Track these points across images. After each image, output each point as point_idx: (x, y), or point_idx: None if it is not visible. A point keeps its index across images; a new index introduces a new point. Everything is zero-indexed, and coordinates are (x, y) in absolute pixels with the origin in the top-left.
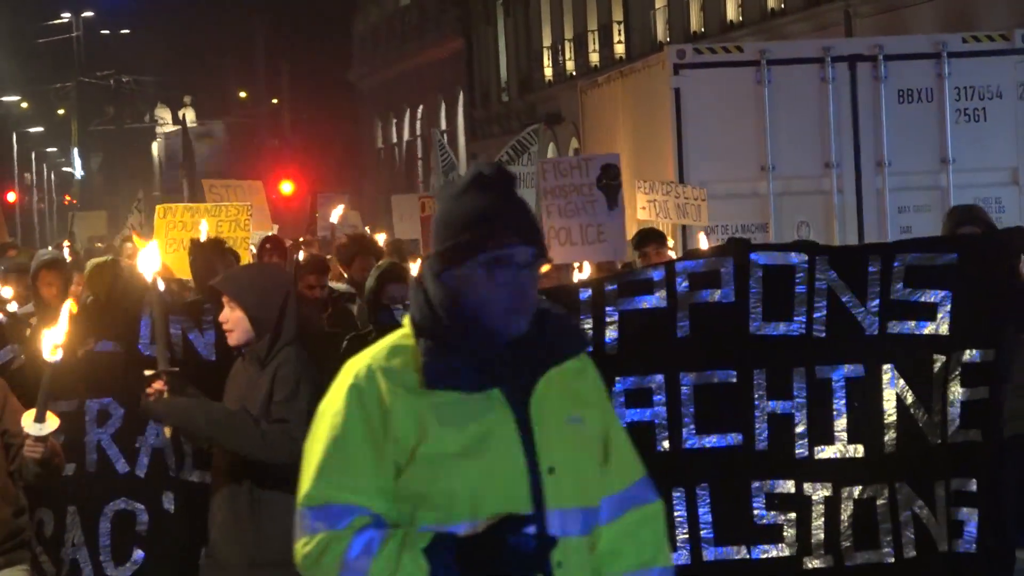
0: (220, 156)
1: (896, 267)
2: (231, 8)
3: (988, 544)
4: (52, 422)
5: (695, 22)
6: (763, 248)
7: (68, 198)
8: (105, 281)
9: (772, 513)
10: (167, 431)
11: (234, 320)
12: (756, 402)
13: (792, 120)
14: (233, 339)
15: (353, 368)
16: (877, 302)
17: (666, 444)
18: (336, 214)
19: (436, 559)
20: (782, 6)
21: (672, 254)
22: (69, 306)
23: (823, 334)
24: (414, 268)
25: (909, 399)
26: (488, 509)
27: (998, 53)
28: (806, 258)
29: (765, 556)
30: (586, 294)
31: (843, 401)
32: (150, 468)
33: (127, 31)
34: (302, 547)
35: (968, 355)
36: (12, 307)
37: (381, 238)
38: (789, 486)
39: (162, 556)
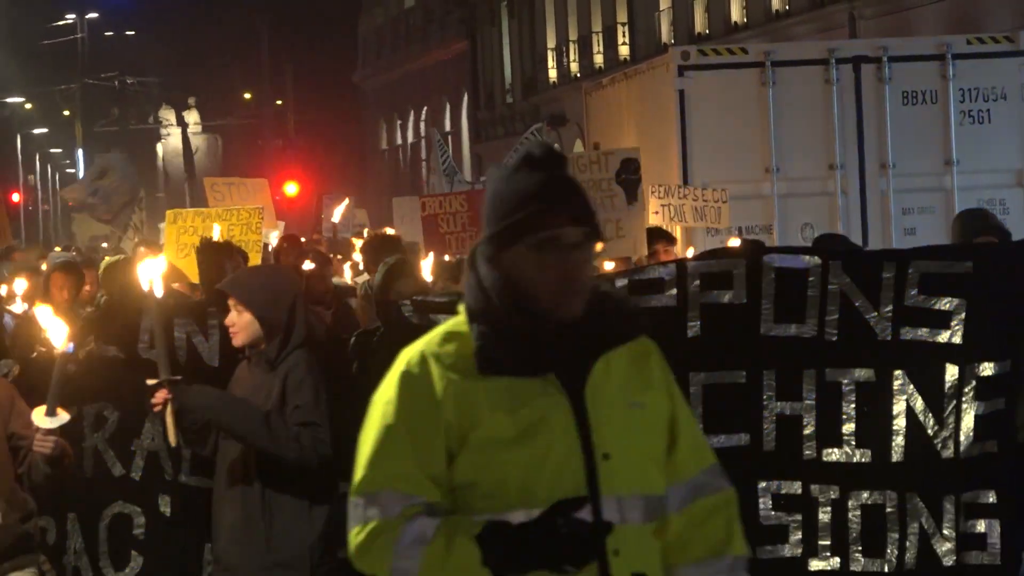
0: (224, 157)
1: (911, 273)
2: (235, 10)
3: (1013, 555)
4: (63, 415)
5: (699, 24)
6: (777, 251)
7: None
8: (119, 280)
9: (778, 514)
10: (172, 439)
11: (242, 323)
12: (765, 403)
13: (796, 122)
14: (239, 340)
15: (406, 355)
16: (890, 308)
17: None
18: (338, 212)
19: (488, 546)
20: (786, 8)
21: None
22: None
23: (835, 337)
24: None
25: (919, 407)
26: (541, 495)
27: (1002, 55)
28: (819, 261)
29: (771, 556)
30: None
31: (852, 405)
32: (145, 471)
33: (131, 33)
34: (355, 536)
35: (984, 369)
36: (17, 308)
37: None
38: (796, 487)
39: (160, 561)
